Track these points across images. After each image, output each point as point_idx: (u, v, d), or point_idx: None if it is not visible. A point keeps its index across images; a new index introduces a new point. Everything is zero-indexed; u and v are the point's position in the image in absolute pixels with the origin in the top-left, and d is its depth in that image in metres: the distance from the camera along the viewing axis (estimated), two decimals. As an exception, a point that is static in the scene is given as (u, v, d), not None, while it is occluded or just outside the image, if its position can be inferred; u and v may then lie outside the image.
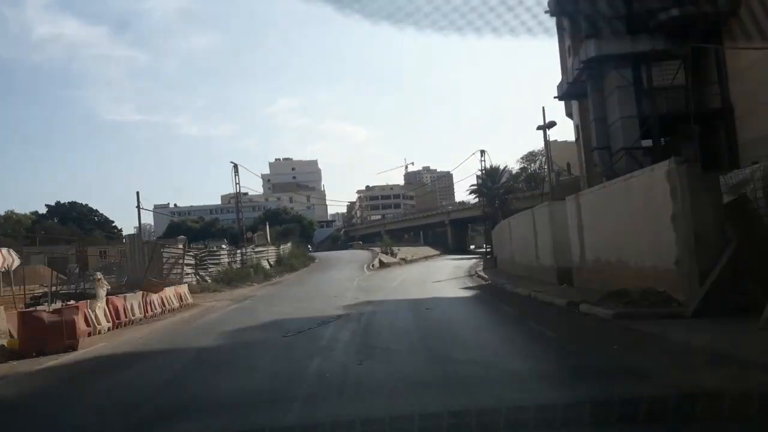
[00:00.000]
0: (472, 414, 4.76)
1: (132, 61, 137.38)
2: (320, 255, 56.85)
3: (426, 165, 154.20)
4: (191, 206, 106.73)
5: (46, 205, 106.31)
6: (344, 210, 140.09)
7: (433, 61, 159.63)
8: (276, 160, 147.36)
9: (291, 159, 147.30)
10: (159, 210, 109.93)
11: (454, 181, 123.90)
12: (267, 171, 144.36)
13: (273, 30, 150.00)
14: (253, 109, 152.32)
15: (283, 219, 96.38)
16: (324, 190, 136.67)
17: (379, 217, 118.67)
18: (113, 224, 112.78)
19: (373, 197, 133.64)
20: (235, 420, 5.61)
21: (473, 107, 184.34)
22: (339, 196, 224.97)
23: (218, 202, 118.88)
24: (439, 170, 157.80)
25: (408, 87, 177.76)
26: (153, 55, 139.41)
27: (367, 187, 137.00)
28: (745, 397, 4.64)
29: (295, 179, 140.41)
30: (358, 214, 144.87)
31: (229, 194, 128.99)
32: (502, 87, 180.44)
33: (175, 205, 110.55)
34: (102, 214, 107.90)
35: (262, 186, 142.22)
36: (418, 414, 4.87)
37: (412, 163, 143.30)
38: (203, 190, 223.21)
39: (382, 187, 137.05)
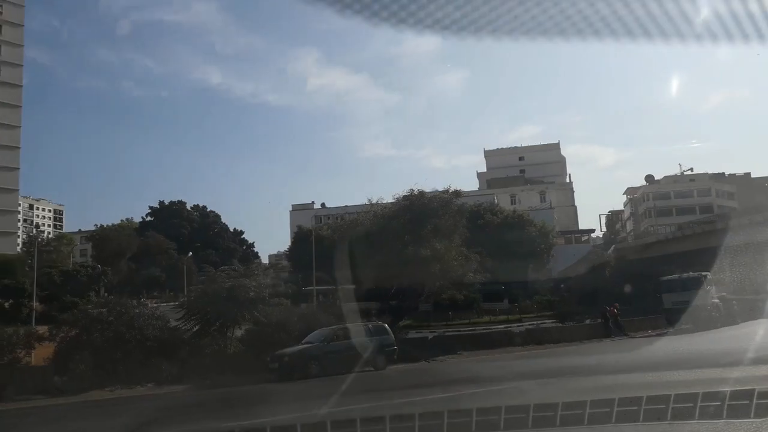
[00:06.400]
0: (471, 413, 4.59)
1: (385, 102, 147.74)
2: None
3: (720, 171, 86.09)
4: (345, 206, 65.66)
5: (149, 207, 76.89)
6: (591, 229, 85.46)
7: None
8: (498, 149, 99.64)
9: (517, 146, 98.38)
10: (299, 208, 72.68)
11: None
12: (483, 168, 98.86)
13: (510, 62, 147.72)
14: (493, 138, 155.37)
15: (490, 221, 48.50)
16: (571, 183, 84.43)
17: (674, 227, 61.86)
18: (242, 235, 78.73)
19: (661, 195, 76.83)
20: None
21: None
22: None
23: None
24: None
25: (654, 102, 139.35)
26: (403, 95, 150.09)
27: (649, 178, 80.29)
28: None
29: (523, 173, 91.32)
30: (630, 226, 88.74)
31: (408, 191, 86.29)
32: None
33: (323, 205, 70.64)
34: (222, 222, 74.99)
35: (478, 185, 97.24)
36: (418, 413, 4.49)
37: (691, 169, 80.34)
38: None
39: (676, 178, 79.10)
